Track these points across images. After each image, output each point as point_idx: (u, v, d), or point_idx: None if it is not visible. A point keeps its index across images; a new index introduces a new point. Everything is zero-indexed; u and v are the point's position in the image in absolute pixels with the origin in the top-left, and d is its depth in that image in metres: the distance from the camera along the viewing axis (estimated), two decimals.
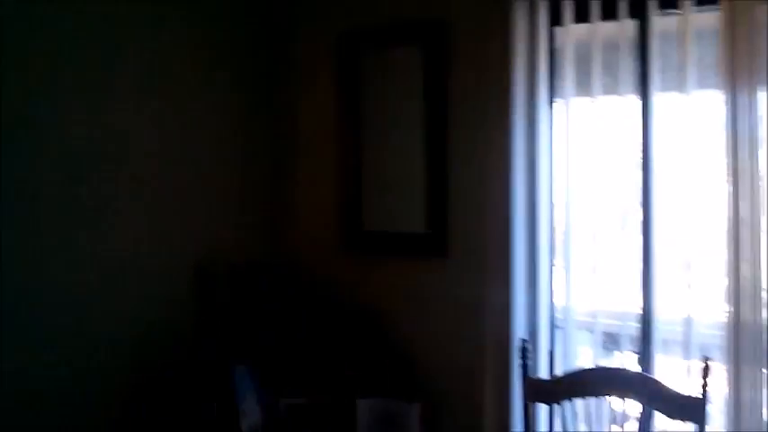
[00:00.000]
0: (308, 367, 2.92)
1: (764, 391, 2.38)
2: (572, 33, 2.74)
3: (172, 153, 3.02)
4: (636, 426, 2.39)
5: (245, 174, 3.28)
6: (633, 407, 2.40)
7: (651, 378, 2.44)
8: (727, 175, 2.43)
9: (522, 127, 2.75)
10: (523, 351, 2.54)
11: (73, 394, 2.69)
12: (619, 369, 2.51)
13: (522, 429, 2.54)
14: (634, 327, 2.66)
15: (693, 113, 2.53)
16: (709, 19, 2.47)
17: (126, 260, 2.86)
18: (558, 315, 2.81)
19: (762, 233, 2.38)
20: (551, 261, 2.81)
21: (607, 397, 2.47)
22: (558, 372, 2.74)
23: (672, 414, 2.29)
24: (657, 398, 2.31)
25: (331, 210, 3.25)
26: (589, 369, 2.57)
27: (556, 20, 2.75)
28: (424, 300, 2.99)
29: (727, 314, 2.43)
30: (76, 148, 2.73)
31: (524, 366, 2.52)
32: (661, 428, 2.40)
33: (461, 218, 2.93)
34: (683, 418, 2.26)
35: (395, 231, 3.08)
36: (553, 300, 2.81)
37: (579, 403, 2.47)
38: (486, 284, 2.77)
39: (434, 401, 2.86)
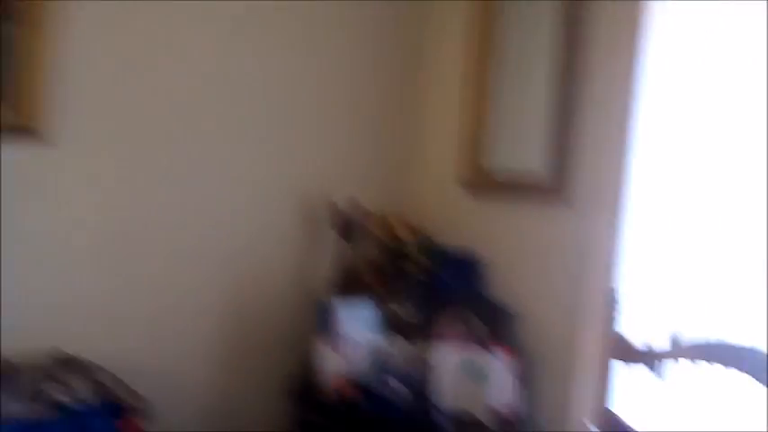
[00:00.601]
0: (408, 312, 2.79)
1: None
2: None
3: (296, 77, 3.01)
4: None
5: (367, 104, 3.18)
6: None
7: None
8: None
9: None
10: (612, 303, 2.18)
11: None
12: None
13: None
14: None
15: None
16: None
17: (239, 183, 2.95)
18: None
19: None
20: None
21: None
22: None
23: None
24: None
25: (453, 149, 3.09)
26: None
27: None
28: (537, 247, 2.72)
29: None
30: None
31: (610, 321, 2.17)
32: None
33: (584, 159, 2.58)
34: None
35: (515, 171, 2.83)
36: None
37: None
38: (596, 230, 2.46)
39: (529, 357, 2.61)
